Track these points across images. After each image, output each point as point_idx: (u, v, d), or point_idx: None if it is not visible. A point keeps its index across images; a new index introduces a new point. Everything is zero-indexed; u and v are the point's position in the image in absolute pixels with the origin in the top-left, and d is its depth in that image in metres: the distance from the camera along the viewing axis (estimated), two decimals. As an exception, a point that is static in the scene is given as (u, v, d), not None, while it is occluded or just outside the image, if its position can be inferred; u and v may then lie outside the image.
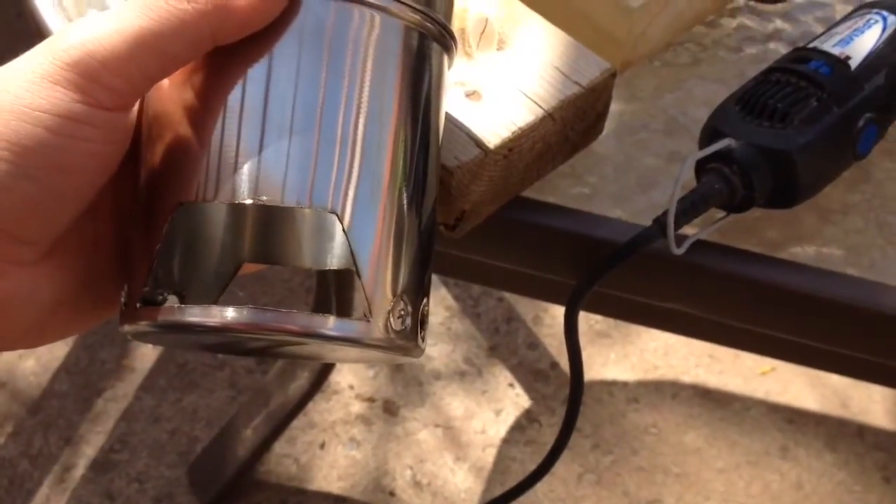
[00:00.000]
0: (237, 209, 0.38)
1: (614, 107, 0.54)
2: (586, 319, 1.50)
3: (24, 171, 0.31)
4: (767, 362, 1.45)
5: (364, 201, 0.34)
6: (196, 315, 0.34)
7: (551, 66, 0.48)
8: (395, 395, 1.41)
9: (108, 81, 0.32)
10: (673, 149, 0.54)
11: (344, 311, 0.87)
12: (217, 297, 0.39)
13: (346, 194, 0.34)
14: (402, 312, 0.36)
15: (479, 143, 0.45)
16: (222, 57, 0.34)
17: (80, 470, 1.32)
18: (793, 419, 1.40)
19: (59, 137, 0.31)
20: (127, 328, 0.36)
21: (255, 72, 0.34)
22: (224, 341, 0.37)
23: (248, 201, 0.33)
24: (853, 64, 0.49)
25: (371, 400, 1.40)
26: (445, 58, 0.39)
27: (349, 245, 0.34)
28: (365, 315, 0.35)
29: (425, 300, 0.38)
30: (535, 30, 0.50)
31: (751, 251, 0.50)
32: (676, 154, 0.53)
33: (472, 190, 0.46)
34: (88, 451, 1.34)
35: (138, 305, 0.35)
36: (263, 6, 0.34)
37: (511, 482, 1.35)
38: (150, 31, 0.32)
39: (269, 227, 0.40)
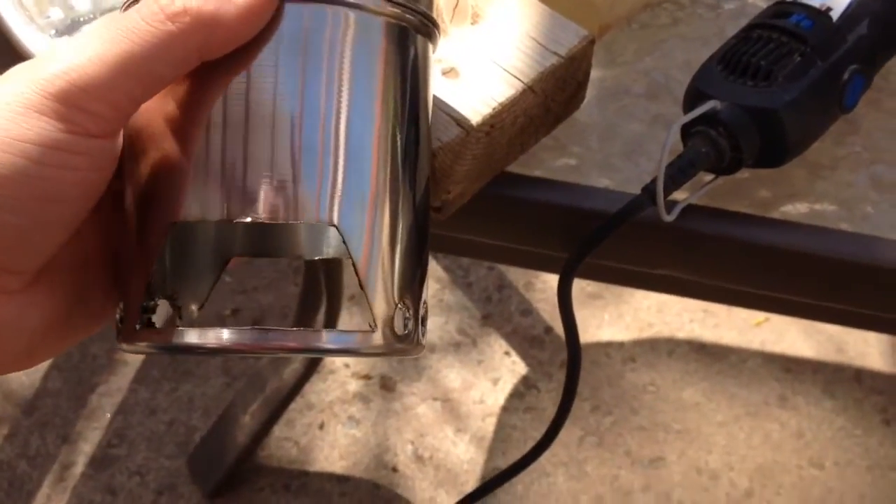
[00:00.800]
0: (230, 231, 0.38)
1: (594, 73, 0.53)
2: (578, 282, 1.49)
3: (7, 202, 0.31)
4: (761, 313, 1.45)
5: (354, 209, 0.34)
6: (195, 338, 0.33)
7: (528, 37, 0.47)
8: (391, 370, 1.40)
9: (94, 108, 0.31)
10: (657, 112, 0.53)
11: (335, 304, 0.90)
12: (208, 293, 0.39)
13: (333, 204, 0.33)
14: (404, 316, 0.36)
15: (459, 122, 0.44)
16: (202, 69, 0.34)
17: (79, 467, 1.31)
18: (790, 368, 1.40)
19: (44, 168, 0.31)
20: (125, 347, 0.36)
21: (236, 85, 0.33)
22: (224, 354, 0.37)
23: (240, 219, 0.33)
24: (834, 15, 0.48)
25: (367, 377, 1.40)
26: (430, 46, 0.38)
27: (349, 254, 0.34)
28: (370, 325, 0.35)
29: (424, 298, 0.38)
30: (509, 1, 0.48)
31: (742, 212, 0.49)
32: (660, 117, 0.52)
33: (456, 170, 0.45)
34: (86, 447, 1.33)
35: (137, 326, 0.35)
36: (250, 19, 0.33)
37: (512, 450, 1.35)
38: (134, 54, 0.31)
39: (261, 226, 0.40)
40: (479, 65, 0.46)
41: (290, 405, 1.32)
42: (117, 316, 0.36)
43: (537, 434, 0.52)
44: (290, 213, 0.33)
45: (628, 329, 1.45)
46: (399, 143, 0.36)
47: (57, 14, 0.58)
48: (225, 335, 0.33)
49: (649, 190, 0.46)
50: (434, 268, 1.51)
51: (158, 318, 0.36)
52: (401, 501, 1.29)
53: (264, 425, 1.26)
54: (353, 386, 1.39)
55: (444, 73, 0.45)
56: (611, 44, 0.56)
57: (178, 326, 0.35)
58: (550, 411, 0.52)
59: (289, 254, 0.43)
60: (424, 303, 0.38)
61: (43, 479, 1.30)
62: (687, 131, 0.48)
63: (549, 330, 1.44)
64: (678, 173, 0.46)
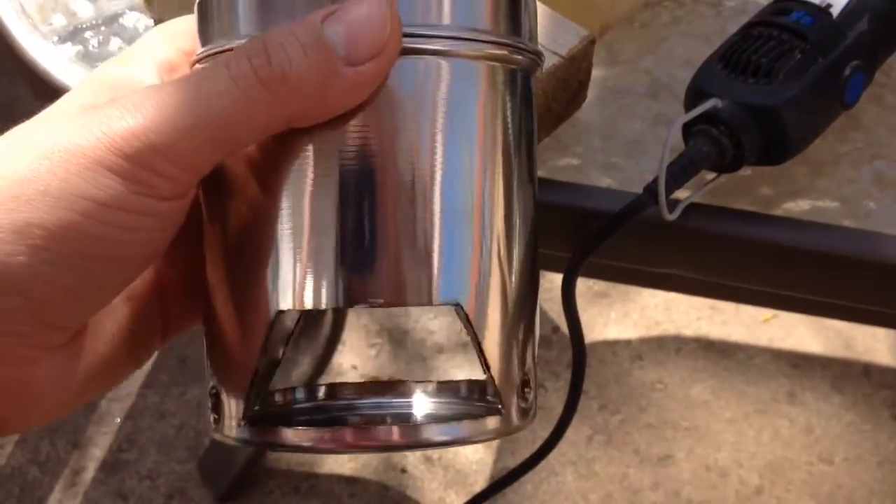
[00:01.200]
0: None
1: (596, 73, 0.53)
2: (584, 281, 1.49)
3: (63, 260, 0.28)
4: (769, 310, 1.45)
5: (485, 286, 0.31)
6: (304, 440, 0.31)
7: (528, 38, 0.47)
8: (398, 371, 1.41)
9: (169, 172, 0.29)
10: (658, 111, 0.53)
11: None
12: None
13: (454, 282, 0.30)
14: (527, 388, 0.33)
15: (460, 124, 0.44)
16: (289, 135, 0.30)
17: (90, 472, 1.32)
18: (798, 364, 1.40)
19: (107, 228, 0.29)
20: (229, 440, 0.33)
21: (325, 158, 0.30)
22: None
23: (358, 306, 0.30)
24: (835, 12, 0.48)
25: (375, 378, 1.40)
26: (533, 80, 0.34)
27: (475, 336, 0.31)
28: (499, 409, 0.32)
29: (535, 364, 0.34)
30: (509, 2, 0.48)
31: (745, 210, 0.49)
32: (662, 116, 0.53)
33: (458, 172, 0.45)
34: (97, 452, 1.33)
35: (242, 422, 0.32)
36: (357, 91, 0.29)
37: (521, 450, 1.35)
38: (220, 121, 0.29)
39: None
40: (480, 66, 0.46)
41: (299, 407, 1.33)
42: (214, 403, 0.34)
43: (545, 433, 0.52)
44: (413, 296, 0.30)
45: (635, 327, 1.45)
46: (510, 201, 0.32)
47: (60, 21, 0.59)
48: (343, 435, 0.31)
49: (651, 189, 0.46)
50: (441, 268, 1.52)
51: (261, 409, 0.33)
52: (410, 503, 1.29)
53: (273, 428, 1.27)
54: (362, 387, 1.39)
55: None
56: (612, 43, 0.56)
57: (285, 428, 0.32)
58: (558, 410, 0.51)
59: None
60: (536, 367, 0.34)
61: (54, 484, 1.31)
62: (688, 130, 0.48)
63: (556, 329, 1.44)
64: (680, 172, 0.46)
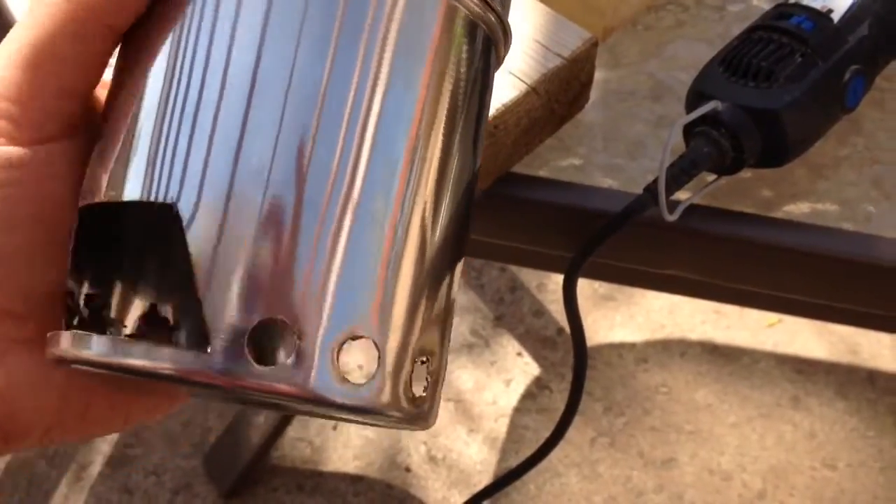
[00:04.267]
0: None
1: (599, 74, 0.53)
2: (590, 283, 1.50)
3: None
4: (774, 314, 1.45)
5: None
6: (139, 356, 0.26)
7: (532, 39, 0.48)
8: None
9: (12, 114, 0.27)
10: (661, 114, 0.53)
11: None
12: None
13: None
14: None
15: (463, 124, 0.44)
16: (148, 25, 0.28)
17: (96, 467, 1.33)
18: (802, 369, 1.40)
19: None
20: (50, 352, 0.28)
21: (244, 43, 0.27)
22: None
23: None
24: (836, 17, 0.49)
25: (381, 378, 1.40)
26: (493, 54, 0.33)
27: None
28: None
29: (445, 357, 0.31)
30: (514, 4, 0.49)
31: (744, 212, 0.49)
32: (664, 119, 0.53)
33: (460, 170, 0.45)
34: (104, 447, 1.34)
35: (75, 322, 0.29)
36: None
37: (525, 451, 1.35)
38: (37, 44, 0.27)
39: None
40: (484, 67, 0.46)
41: (304, 406, 1.33)
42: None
43: (549, 434, 0.53)
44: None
45: (640, 330, 1.45)
46: (446, 152, 0.29)
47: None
48: (186, 358, 0.26)
49: (651, 190, 0.46)
50: (447, 269, 1.52)
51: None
52: (414, 501, 1.30)
53: (278, 426, 1.28)
54: (367, 387, 1.40)
55: (449, 75, 0.46)
56: (615, 46, 0.57)
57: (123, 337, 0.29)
58: (562, 412, 0.52)
59: None
60: (445, 361, 0.31)
61: (61, 478, 1.31)
62: (689, 132, 0.48)
63: (560, 331, 1.44)
64: (680, 173, 0.46)
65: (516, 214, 0.52)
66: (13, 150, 0.27)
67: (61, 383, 0.29)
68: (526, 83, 0.46)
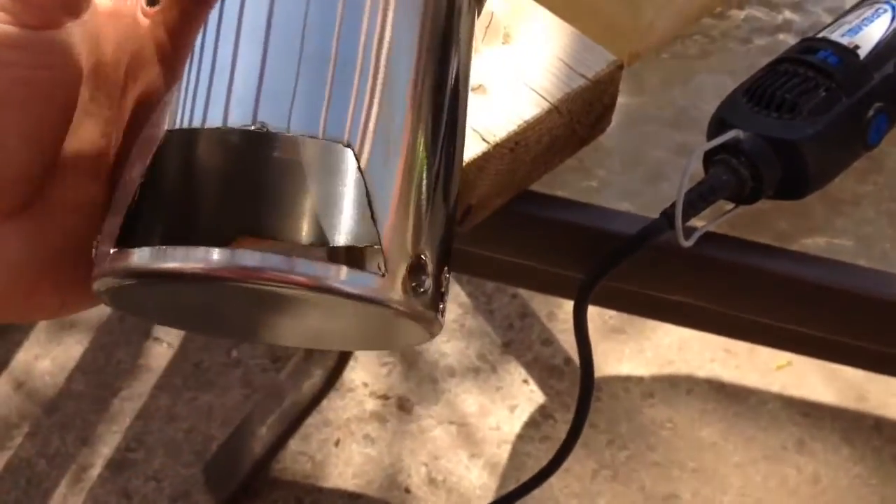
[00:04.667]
0: (229, 141, 0.30)
1: (622, 99, 0.53)
2: (600, 315, 1.50)
3: None
4: (783, 356, 1.44)
5: (385, 136, 0.30)
6: (178, 259, 0.28)
7: (557, 59, 0.48)
8: (409, 392, 1.41)
9: None
10: (681, 141, 0.53)
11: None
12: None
13: (365, 126, 0.30)
14: (423, 273, 0.30)
15: (484, 137, 0.45)
16: None
17: (96, 469, 1.33)
18: (809, 413, 1.39)
19: None
20: (97, 285, 0.30)
21: None
22: (208, 305, 0.32)
23: (246, 126, 0.29)
24: (862, 53, 0.49)
25: (385, 397, 1.40)
26: (476, 8, 0.37)
27: (365, 187, 0.29)
28: (380, 268, 0.29)
29: (447, 267, 0.33)
30: (541, 23, 0.49)
31: (760, 243, 0.49)
32: (685, 147, 0.53)
33: (479, 184, 0.46)
34: (105, 450, 1.34)
35: (112, 251, 0.30)
36: None
37: (526, 478, 1.34)
38: None
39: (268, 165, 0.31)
40: (508, 83, 0.47)
41: (307, 420, 1.33)
42: (94, 252, 0.31)
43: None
44: (314, 125, 0.29)
45: (648, 365, 1.44)
46: (441, 83, 0.33)
47: None
48: (216, 256, 0.28)
49: (668, 214, 0.46)
50: (457, 293, 1.52)
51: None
52: (411, 523, 1.29)
53: (280, 438, 1.27)
54: (371, 405, 1.39)
55: (473, 89, 0.47)
56: (640, 72, 0.57)
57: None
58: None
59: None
60: (447, 271, 0.33)
61: (60, 478, 1.31)
62: (709, 159, 0.48)
63: (568, 361, 1.44)
64: (698, 199, 0.46)
65: (532, 232, 0.52)
66: (21, 32, 0.28)
67: (15, 257, 0.30)
68: (549, 101, 0.46)
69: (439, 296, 0.32)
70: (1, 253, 0.30)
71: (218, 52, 0.30)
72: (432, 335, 0.32)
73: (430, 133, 0.32)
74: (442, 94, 0.33)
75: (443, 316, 0.32)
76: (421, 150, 0.31)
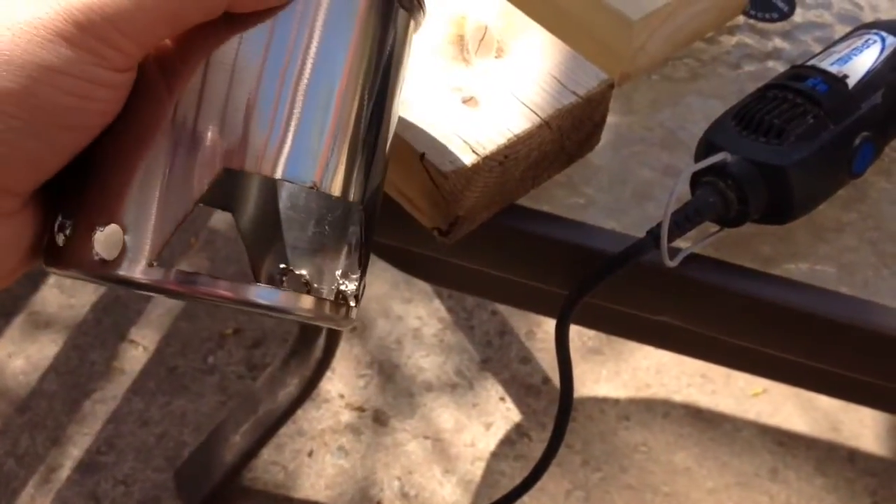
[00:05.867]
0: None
1: (612, 119, 0.54)
2: (579, 336, 1.50)
3: (34, 129, 0.31)
4: (759, 384, 1.44)
5: (303, 167, 0.34)
6: (124, 270, 0.33)
7: (549, 75, 0.48)
8: (385, 405, 1.40)
9: (122, 45, 0.31)
10: (669, 162, 0.54)
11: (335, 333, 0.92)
12: (168, 236, 0.36)
13: (280, 158, 0.34)
14: (340, 285, 0.37)
15: (473, 149, 0.45)
16: None
17: (65, 471, 1.31)
18: (783, 441, 1.40)
19: (68, 97, 0.31)
20: (55, 270, 0.35)
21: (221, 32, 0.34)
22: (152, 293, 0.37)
23: (191, 159, 0.33)
24: (850, 83, 0.49)
25: (361, 409, 1.40)
26: (412, 24, 0.39)
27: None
28: (304, 286, 0.37)
29: (364, 275, 0.39)
30: (534, 39, 0.50)
31: (743, 266, 0.50)
32: (672, 168, 0.53)
33: (466, 195, 0.46)
34: (75, 452, 1.33)
35: (73, 249, 0.34)
36: None
37: (498, 496, 1.34)
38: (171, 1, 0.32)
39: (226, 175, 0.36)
40: (499, 97, 0.47)
41: (282, 430, 1.32)
42: (59, 234, 0.35)
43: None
44: (238, 161, 0.33)
45: (625, 387, 1.44)
46: (362, 112, 0.36)
47: None
48: (154, 274, 0.33)
49: (654, 234, 0.46)
50: (437, 308, 1.52)
51: (106, 245, 0.34)
52: (382, 537, 1.29)
53: (253, 447, 1.26)
54: (346, 416, 1.39)
55: (465, 101, 0.47)
56: (630, 92, 0.57)
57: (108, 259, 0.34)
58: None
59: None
60: (363, 278, 0.38)
61: (29, 478, 1.30)
62: (696, 181, 0.48)
63: (546, 380, 1.44)
64: (684, 220, 0.47)
65: (517, 246, 0.52)
66: (105, 73, 0.31)
67: (26, 245, 0.34)
68: (540, 116, 0.46)
69: (355, 299, 0.38)
70: (19, 243, 0.34)
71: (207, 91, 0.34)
72: (345, 328, 0.39)
73: (356, 161, 0.36)
74: (369, 124, 0.36)
75: (356, 311, 0.39)
76: (345, 178, 0.36)
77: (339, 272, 0.40)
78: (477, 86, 0.47)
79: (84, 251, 0.33)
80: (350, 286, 0.39)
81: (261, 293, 0.35)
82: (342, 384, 1.42)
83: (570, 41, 0.50)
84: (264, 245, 0.44)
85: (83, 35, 0.30)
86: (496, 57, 0.49)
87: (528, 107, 0.47)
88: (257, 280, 0.43)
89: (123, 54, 0.31)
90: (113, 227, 0.33)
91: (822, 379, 0.70)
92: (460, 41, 0.49)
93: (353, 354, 1.45)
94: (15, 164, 0.31)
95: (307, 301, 0.36)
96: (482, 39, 0.49)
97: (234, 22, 0.34)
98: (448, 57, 0.48)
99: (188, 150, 0.33)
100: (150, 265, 0.33)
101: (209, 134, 0.33)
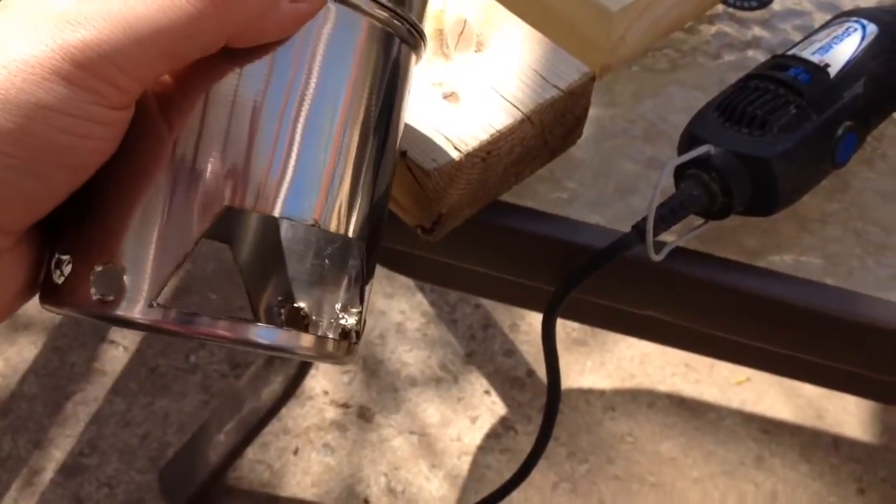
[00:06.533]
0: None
1: (593, 112, 0.53)
2: (563, 327, 1.50)
3: (30, 168, 0.30)
4: (743, 372, 1.45)
5: (303, 203, 0.34)
6: (121, 310, 0.32)
7: (530, 68, 0.48)
8: (369, 401, 1.40)
9: (121, 83, 0.31)
10: (652, 155, 0.53)
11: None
12: (169, 275, 0.36)
13: (279, 194, 0.33)
14: (342, 323, 0.36)
15: (456, 146, 0.44)
16: None
17: (48, 474, 1.30)
18: (768, 429, 1.40)
19: (66, 135, 0.30)
20: (51, 308, 0.34)
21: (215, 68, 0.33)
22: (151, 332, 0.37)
23: (187, 198, 0.33)
24: (832, 72, 0.49)
25: (346, 406, 1.39)
26: (413, 57, 0.38)
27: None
28: (305, 325, 0.36)
29: (365, 308, 0.38)
30: (514, 32, 0.49)
31: (729, 259, 0.49)
32: (655, 160, 0.53)
33: (450, 193, 0.45)
34: (57, 454, 1.32)
35: (75, 288, 0.33)
36: (296, 22, 0.33)
37: (486, 490, 1.34)
38: (169, 33, 0.31)
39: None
40: (480, 92, 0.46)
41: (266, 428, 1.31)
42: (55, 271, 0.34)
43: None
44: (238, 199, 0.32)
45: (610, 378, 1.44)
46: (362, 147, 0.35)
47: None
48: (153, 314, 0.32)
49: (639, 228, 0.46)
50: (420, 301, 1.51)
51: (104, 285, 0.33)
52: (369, 533, 1.28)
53: (238, 446, 1.25)
54: (331, 413, 1.38)
55: (445, 97, 0.46)
56: (611, 84, 0.57)
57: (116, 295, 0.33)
58: (526, 454, 0.52)
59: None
60: (363, 313, 0.38)
61: (11, 482, 1.29)
62: (680, 174, 0.48)
63: (531, 373, 1.44)
64: (669, 214, 0.46)
65: (501, 243, 0.51)
66: (107, 112, 0.31)
67: (19, 282, 0.34)
68: (521, 111, 0.46)
69: (356, 334, 0.37)
70: (11, 282, 0.34)
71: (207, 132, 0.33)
72: (347, 364, 0.38)
73: (357, 195, 0.35)
74: (369, 156, 0.36)
75: (357, 346, 0.38)
76: (346, 212, 0.35)
77: (338, 305, 0.39)
78: (457, 81, 0.47)
79: (81, 290, 0.33)
80: (350, 320, 0.38)
81: (261, 333, 0.34)
82: (326, 381, 1.41)
83: (549, 33, 0.49)
84: (263, 278, 0.43)
85: (80, 73, 0.30)
86: (476, 51, 0.48)
87: (509, 101, 0.46)
88: (255, 313, 0.42)
89: (121, 91, 0.31)
90: (111, 267, 0.32)
91: (807, 368, 0.70)
92: (440, 35, 0.49)
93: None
94: (10, 202, 0.30)
95: (307, 340, 0.35)
96: (461, 33, 0.49)
97: (233, 57, 0.33)
98: (428, 52, 0.48)
99: (188, 187, 0.32)
100: (149, 305, 0.32)
101: (209, 172, 0.32)
